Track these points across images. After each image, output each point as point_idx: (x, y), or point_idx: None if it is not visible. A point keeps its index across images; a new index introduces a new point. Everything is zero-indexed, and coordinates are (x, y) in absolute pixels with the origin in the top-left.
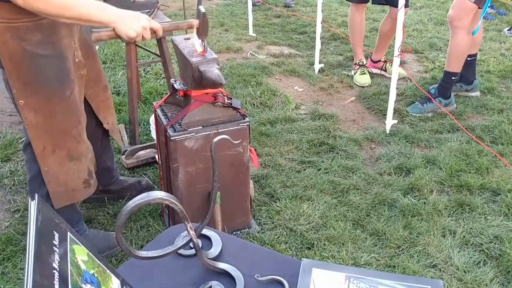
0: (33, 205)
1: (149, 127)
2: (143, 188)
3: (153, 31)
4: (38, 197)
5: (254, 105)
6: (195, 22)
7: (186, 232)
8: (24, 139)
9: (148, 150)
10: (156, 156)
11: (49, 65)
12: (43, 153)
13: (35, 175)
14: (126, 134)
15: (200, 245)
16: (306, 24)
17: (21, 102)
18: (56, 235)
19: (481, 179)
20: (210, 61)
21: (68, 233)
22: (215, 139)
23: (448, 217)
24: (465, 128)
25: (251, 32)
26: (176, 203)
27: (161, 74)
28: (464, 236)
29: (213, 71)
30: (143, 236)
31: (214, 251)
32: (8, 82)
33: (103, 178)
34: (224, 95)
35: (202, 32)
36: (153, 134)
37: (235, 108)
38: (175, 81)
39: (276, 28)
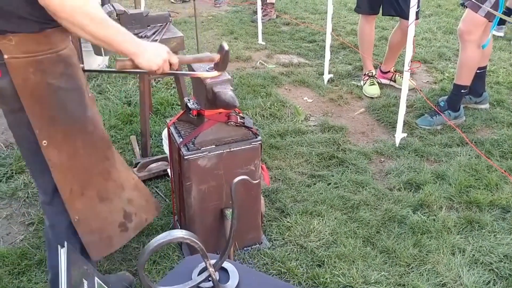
0: (63, 253)
1: (160, 139)
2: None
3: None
4: (67, 245)
5: (263, 116)
6: (216, 56)
7: (203, 263)
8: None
9: (159, 163)
10: (168, 170)
11: (71, 98)
12: (71, 196)
13: (63, 228)
14: (138, 146)
15: (218, 278)
16: (315, 32)
17: (44, 143)
18: (85, 283)
19: (491, 195)
20: (224, 82)
21: (96, 278)
22: (235, 180)
23: (458, 234)
24: (474, 142)
25: (260, 41)
26: (197, 241)
27: (171, 84)
28: (474, 255)
29: (227, 93)
30: (160, 265)
31: (231, 284)
32: (29, 123)
33: None
34: (237, 114)
35: (221, 67)
36: (165, 149)
37: (247, 127)
38: (188, 100)
39: (285, 36)
